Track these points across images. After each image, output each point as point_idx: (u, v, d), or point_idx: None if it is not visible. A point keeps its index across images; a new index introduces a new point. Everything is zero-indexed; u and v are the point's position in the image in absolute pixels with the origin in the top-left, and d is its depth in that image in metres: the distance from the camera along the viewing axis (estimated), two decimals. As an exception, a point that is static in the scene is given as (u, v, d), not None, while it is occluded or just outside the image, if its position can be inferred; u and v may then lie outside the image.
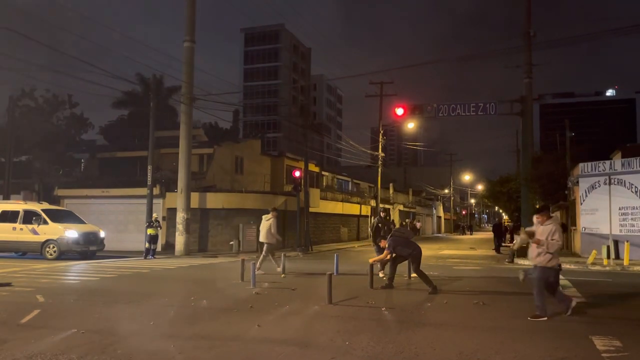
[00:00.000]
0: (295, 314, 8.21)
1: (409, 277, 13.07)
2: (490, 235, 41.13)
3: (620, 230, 18.80)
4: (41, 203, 22.03)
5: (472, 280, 13.36)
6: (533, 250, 7.84)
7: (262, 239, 14.39)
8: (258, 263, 13.93)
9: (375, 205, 40.56)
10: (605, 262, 17.07)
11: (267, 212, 14.77)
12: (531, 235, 7.91)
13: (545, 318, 7.61)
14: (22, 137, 25.93)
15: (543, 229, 7.77)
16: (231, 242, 24.83)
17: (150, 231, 20.94)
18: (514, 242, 22.86)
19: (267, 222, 14.28)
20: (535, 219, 8.10)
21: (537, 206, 13.23)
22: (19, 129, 25.40)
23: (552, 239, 7.60)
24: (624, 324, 7.65)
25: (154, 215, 22.14)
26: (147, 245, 20.85)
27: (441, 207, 78.08)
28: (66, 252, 19.31)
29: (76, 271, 15.35)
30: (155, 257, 20.53)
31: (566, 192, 25.42)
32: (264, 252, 14.24)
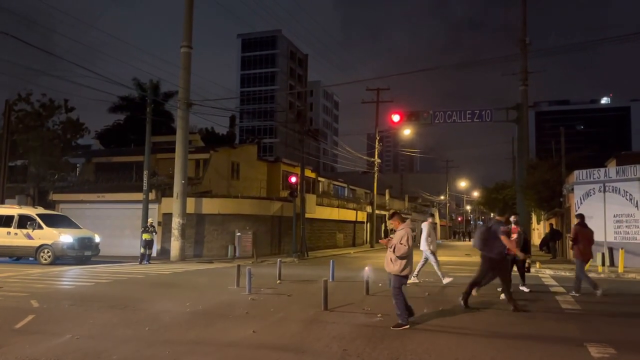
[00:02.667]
0: (291, 320, 8.20)
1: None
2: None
3: (615, 238, 18.86)
4: (36, 207, 21.96)
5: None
6: (387, 258, 7.70)
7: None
8: (439, 273, 13.76)
9: (371, 211, 40.63)
10: (599, 269, 17.11)
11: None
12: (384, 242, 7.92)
13: (407, 326, 7.43)
14: (18, 141, 25.84)
15: (396, 234, 7.69)
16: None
17: (145, 236, 20.88)
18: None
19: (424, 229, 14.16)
20: (389, 224, 8.03)
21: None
22: (15, 133, 25.31)
23: (401, 244, 7.48)
24: (618, 331, 7.67)
25: (150, 220, 22.08)
26: (142, 250, 20.78)
27: (437, 213, 78.17)
28: (61, 257, 19.22)
29: (71, 276, 15.27)
30: (150, 263, 20.46)
31: (561, 199, 25.51)
32: (433, 261, 13.93)
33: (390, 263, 7.59)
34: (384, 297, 10.83)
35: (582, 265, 11.61)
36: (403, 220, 7.83)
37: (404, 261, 7.51)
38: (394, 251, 7.51)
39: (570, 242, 12.26)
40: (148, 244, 20.86)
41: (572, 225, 12.81)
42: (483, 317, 8.71)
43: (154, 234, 21.56)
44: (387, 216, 9.91)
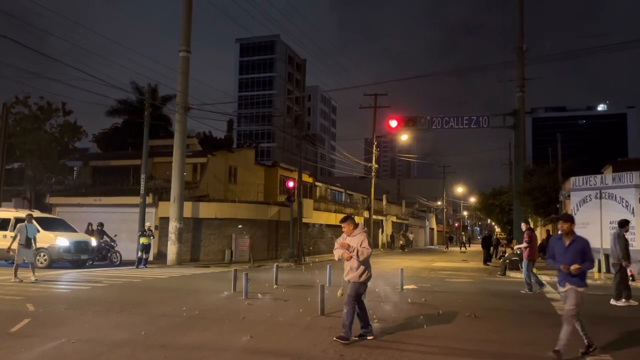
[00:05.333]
0: (288, 325, 8.20)
1: (402, 289, 13.08)
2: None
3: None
4: (33, 211, 21.87)
5: (465, 292, 13.39)
6: (346, 265, 7.20)
7: None
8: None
9: (368, 216, 40.64)
10: (596, 275, 17.14)
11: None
12: (345, 247, 7.22)
13: (349, 341, 6.80)
14: (15, 144, 25.79)
15: (351, 239, 7.20)
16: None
17: (143, 240, 20.83)
18: (506, 254, 22.95)
19: None
20: (343, 228, 7.31)
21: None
22: (12, 136, 25.27)
23: (363, 247, 7.05)
24: (614, 338, 7.69)
25: (147, 224, 22.03)
26: (139, 254, 20.74)
27: (434, 219, 78.24)
28: (57, 261, 19.15)
29: (67, 280, 15.23)
30: (146, 267, 20.40)
31: (558, 205, 25.56)
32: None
33: (351, 271, 7.10)
34: (382, 302, 10.83)
35: (531, 265, 13.73)
36: (356, 224, 7.35)
37: (363, 267, 7.09)
38: (357, 256, 7.03)
39: (525, 244, 14.02)
40: (145, 248, 20.82)
41: (525, 230, 14.63)
42: (479, 323, 8.72)
43: (151, 238, 21.53)
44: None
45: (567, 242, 6.48)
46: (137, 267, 20.24)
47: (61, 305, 9.84)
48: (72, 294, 12.20)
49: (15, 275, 14.13)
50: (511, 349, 6.77)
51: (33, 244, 14.77)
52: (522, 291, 13.49)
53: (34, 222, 15.63)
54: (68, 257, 19.31)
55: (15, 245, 14.37)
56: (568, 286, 6.41)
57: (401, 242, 46.56)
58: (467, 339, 7.34)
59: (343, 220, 7.38)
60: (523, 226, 14.84)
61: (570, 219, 6.69)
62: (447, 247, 56.75)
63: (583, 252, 6.38)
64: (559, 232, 6.62)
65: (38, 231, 15.55)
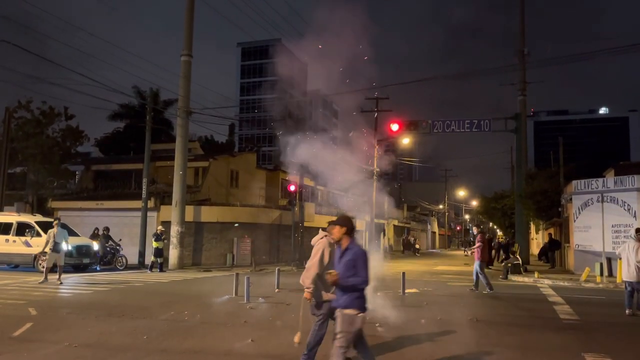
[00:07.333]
0: (290, 329, 8.18)
1: (403, 293, 13.07)
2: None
3: (613, 248, 18.82)
4: (35, 215, 21.92)
5: (466, 296, 13.37)
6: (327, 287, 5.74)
7: None
8: None
9: (370, 220, 40.58)
10: (598, 279, 17.11)
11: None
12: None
13: None
14: (17, 148, 25.84)
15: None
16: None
17: (156, 244, 20.62)
18: (509, 258, 22.90)
19: None
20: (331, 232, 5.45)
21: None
22: (14, 141, 25.32)
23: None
24: (616, 341, 7.68)
25: (160, 228, 21.73)
26: (153, 258, 20.61)
27: (436, 222, 78.14)
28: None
29: (69, 284, 15.23)
30: (152, 271, 20.16)
31: (560, 209, 25.53)
32: None
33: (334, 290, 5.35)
34: (383, 307, 10.81)
35: (483, 266, 14.74)
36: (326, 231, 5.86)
37: None
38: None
39: (478, 245, 15.01)
40: (159, 253, 20.58)
41: (477, 235, 16.40)
42: (481, 327, 8.71)
43: (163, 241, 21.23)
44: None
45: (342, 251, 4.92)
46: (151, 270, 20.13)
47: (63, 310, 9.86)
48: (74, 298, 12.22)
49: (45, 278, 14.85)
50: (513, 354, 6.76)
51: (62, 248, 15.40)
52: (484, 292, 14.05)
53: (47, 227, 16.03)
54: (70, 261, 19.31)
55: (47, 250, 15.16)
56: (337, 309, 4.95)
57: (417, 246, 46.58)
58: (469, 343, 7.33)
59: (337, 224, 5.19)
60: (475, 230, 16.69)
61: (340, 222, 4.94)
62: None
63: (354, 264, 4.79)
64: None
65: (67, 235, 16.02)
